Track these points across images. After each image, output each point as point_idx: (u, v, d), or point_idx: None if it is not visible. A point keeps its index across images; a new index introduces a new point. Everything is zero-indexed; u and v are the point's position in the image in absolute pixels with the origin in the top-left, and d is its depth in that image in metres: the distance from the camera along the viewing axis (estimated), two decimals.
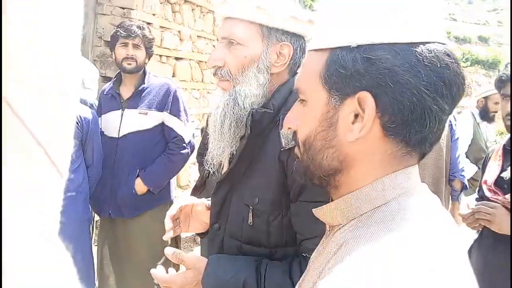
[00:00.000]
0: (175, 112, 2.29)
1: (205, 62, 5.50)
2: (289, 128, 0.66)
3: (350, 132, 0.54)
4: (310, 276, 0.59)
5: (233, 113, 0.99)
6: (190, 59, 5.11)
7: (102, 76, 3.86)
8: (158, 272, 0.97)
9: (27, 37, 0.21)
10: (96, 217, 2.92)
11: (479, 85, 15.83)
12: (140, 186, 2.24)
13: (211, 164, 1.08)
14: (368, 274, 0.44)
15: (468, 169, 3.17)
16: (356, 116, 0.54)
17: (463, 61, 17.30)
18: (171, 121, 2.28)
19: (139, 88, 2.27)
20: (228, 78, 1.00)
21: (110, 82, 2.43)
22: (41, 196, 0.23)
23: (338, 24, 0.56)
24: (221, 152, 1.04)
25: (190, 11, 5.05)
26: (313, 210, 0.62)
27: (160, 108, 2.26)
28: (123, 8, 3.92)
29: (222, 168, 1.11)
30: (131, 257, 2.31)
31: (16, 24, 0.20)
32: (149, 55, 2.33)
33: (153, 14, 4.24)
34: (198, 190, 2.63)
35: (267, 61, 0.98)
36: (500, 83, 1.81)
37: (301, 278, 0.64)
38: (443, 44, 0.55)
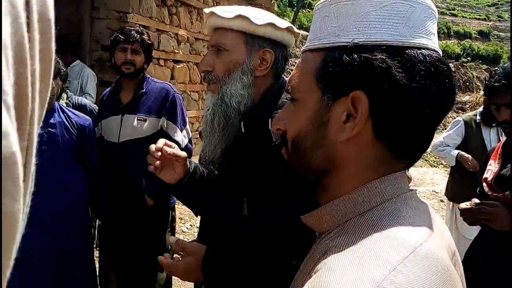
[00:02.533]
0: (171, 117, 2.29)
1: None
2: (278, 129, 0.65)
3: (342, 131, 0.54)
4: (298, 281, 0.58)
5: (221, 110, 1.10)
6: (188, 61, 5.11)
7: (100, 80, 3.86)
8: (163, 259, 1.08)
9: None
10: (98, 222, 2.92)
11: (481, 80, 15.79)
12: (148, 200, 2.28)
13: (204, 161, 1.17)
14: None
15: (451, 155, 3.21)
16: (349, 116, 0.53)
17: (464, 57, 17.23)
18: (168, 127, 2.29)
19: (139, 93, 2.28)
20: (215, 81, 1.11)
21: (110, 87, 2.43)
22: None
23: (335, 24, 0.56)
24: (213, 149, 1.12)
25: (187, 13, 5.04)
26: (301, 217, 0.62)
27: (159, 114, 2.27)
28: (119, 12, 3.91)
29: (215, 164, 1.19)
30: (132, 261, 2.31)
31: None
32: (148, 60, 2.34)
33: (150, 17, 4.23)
34: None
35: (251, 65, 1.10)
36: (489, 92, 1.80)
37: (291, 283, 0.63)
38: (437, 52, 0.56)
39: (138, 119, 2.24)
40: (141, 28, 2.45)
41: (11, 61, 0.19)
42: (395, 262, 0.44)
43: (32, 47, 0.21)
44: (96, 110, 2.72)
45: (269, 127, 1.02)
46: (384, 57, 0.52)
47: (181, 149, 2.28)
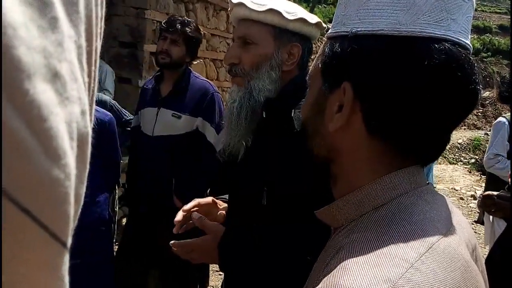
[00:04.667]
0: (208, 118, 2.21)
1: (220, 60, 5.50)
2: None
3: (331, 121, 0.53)
4: (312, 277, 0.56)
5: (249, 104, 1.08)
6: (204, 58, 5.11)
7: (118, 77, 3.89)
8: (180, 241, 1.09)
9: None
10: (117, 217, 2.96)
11: (502, 76, 15.43)
12: (176, 201, 2.19)
13: (225, 154, 1.16)
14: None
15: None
16: (341, 107, 0.52)
17: (484, 52, 16.84)
18: (204, 127, 2.21)
19: (177, 88, 2.22)
20: (242, 74, 1.08)
21: (152, 76, 2.38)
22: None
23: (343, 12, 0.54)
24: (237, 142, 1.11)
25: (204, 9, 5.04)
26: (315, 212, 0.61)
27: (195, 113, 2.19)
28: (137, 8, 3.93)
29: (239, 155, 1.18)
30: (160, 253, 2.29)
31: None
32: (190, 53, 2.25)
33: (167, 14, 4.24)
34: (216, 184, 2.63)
35: (279, 60, 1.07)
36: (503, 100, 1.88)
37: (307, 281, 0.61)
38: (464, 45, 0.49)
39: (173, 115, 2.18)
40: (190, 20, 2.34)
41: (84, 36, 0.18)
42: (411, 260, 0.42)
43: (97, 24, 0.20)
44: (116, 107, 2.73)
45: (292, 115, 1.02)
46: (380, 48, 0.49)
47: (215, 152, 2.21)
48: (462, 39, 0.50)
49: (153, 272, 2.31)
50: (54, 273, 0.17)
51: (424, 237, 0.45)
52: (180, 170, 2.22)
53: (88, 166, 0.19)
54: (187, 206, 1.18)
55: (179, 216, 1.15)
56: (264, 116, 1.07)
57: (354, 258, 0.45)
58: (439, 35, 0.48)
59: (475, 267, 0.48)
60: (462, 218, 0.56)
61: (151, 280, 2.33)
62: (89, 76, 0.19)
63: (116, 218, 2.93)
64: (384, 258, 0.43)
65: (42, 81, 0.14)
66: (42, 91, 0.14)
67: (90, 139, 0.19)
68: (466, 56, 0.49)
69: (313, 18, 1.09)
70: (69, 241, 0.18)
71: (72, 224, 0.17)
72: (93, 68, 0.20)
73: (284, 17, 1.04)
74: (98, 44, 0.21)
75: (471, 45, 0.52)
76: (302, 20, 1.05)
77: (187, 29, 2.20)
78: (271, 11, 1.03)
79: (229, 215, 1.16)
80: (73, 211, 0.17)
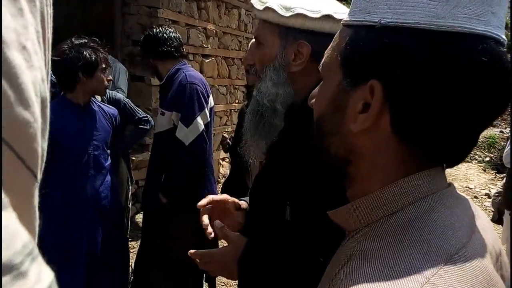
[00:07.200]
0: (179, 109, 2.20)
1: (232, 58, 5.52)
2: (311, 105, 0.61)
3: (355, 122, 0.48)
4: (323, 283, 0.54)
5: (253, 108, 1.05)
6: (216, 56, 5.13)
7: (131, 75, 3.94)
8: (198, 251, 1.01)
9: None
10: (131, 213, 3.00)
11: None
12: (161, 198, 2.26)
13: (247, 161, 1.14)
14: None
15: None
16: (366, 105, 0.47)
17: None
18: (177, 121, 2.21)
19: (161, 86, 2.35)
20: (255, 75, 1.07)
21: None
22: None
23: None
24: (254, 146, 1.09)
25: (215, 8, 5.06)
26: (328, 213, 0.57)
27: (169, 107, 2.23)
28: (150, 7, 3.97)
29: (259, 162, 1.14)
30: (164, 253, 2.33)
31: None
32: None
33: (179, 12, 4.27)
34: (231, 184, 2.67)
35: (283, 60, 0.99)
36: None
37: (320, 283, 0.58)
38: (502, 42, 0.44)
39: (160, 113, 2.28)
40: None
41: (40, 25, 0.23)
42: (428, 274, 0.39)
43: (48, 19, 0.25)
44: (129, 105, 2.78)
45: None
46: (412, 44, 0.43)
47: (185, 147, 2.16)
48: (502, 35, 0.45)
49: (157, 271, 2.34)
50: (30, 200, 0.22)
51: (442, 248, 0.41)
52: (167, 167, 2.27)
53: (48, 127, 0.24)
54: (201, 202, 1.10)
55: (206, 220, 1.05)
56: (285, 124, 1.00)
57: (364, 272, 0.42)
58: (480, 31, 0.43)
59: (498, 279, 0.44)
60: (486, 222, 0.53)
61: (156, 279, 2.35)
62: (45, 55, 0.25)
63: (130, 214, 2.98)
64: (398, 272, 0.39)
65: (15, 51, 0.20)
66: (17, 57, 0.20)
67: (49, 104, 0.24)
68: (505, 55, 0.45)
69: (316, 12, 0.94)
70: (39, 176, 0.22)
71: (40, 163, 0.22)
72: (47, 52, 0.25)
73: (279, 14, 0.95)
74: (49, 35, 0.26)
75: (506, 39, 0.47)
76: (301, 16, 0.94)
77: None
78: (267, 8, 0.97)
79: (249, 226, 1.09)
80: (40, 151, 0.22)
